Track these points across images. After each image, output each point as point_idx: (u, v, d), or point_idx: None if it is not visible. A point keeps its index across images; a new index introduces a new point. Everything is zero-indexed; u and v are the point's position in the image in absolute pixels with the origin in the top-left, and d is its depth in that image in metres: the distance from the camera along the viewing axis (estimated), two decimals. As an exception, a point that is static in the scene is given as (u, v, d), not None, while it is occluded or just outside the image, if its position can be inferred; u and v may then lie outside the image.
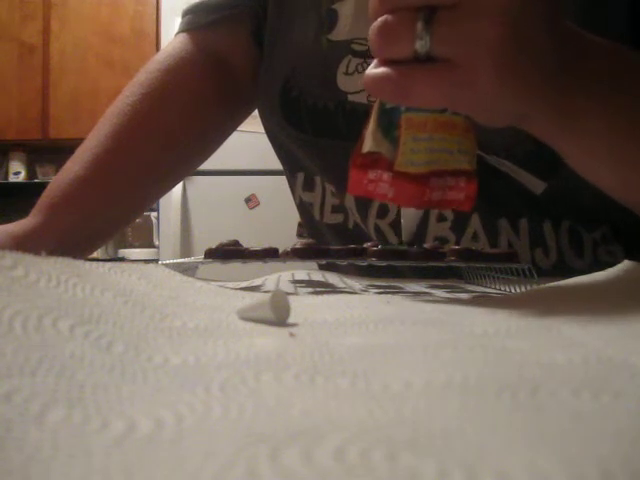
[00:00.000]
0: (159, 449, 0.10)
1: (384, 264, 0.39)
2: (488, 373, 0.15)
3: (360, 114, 0.56)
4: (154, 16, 2.67)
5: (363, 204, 0.57)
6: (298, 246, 0.39)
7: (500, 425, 0.11)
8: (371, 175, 0.32)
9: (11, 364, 0.14)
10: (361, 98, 0.56)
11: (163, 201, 2.25)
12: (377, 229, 0.56)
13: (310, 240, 0.42)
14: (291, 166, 0.63)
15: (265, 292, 0.34)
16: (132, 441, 0.10)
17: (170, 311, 0.22)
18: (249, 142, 1.68)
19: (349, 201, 0.58)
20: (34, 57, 2.73)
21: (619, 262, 0.54)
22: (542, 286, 0.33)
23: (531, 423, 0.11)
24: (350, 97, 0.56)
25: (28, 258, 0.22)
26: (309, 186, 0.61)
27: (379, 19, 0.31)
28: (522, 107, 0.33)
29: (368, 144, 0.33)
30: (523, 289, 0.36)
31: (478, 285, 0.45)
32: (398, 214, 0.55)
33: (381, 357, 0.16)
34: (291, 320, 0.22)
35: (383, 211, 0.56)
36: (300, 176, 0.62)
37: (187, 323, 0.21)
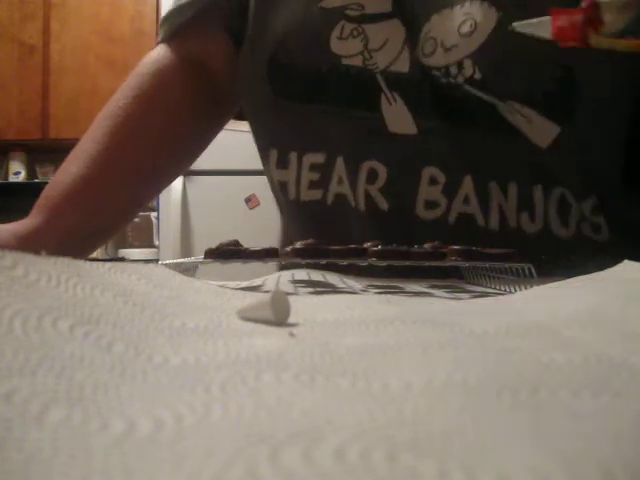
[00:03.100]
0: (159, 449, 0.10)
1: (384, 264, 0.39)
2: (488, 373, 0.15)
3: (353, 77, 0.55)
4: (154, 16, 2.67)
5: (352, 170, 0.56)
6: (298, 246, 0.39)
7: (500, 425, 0.11)
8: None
9: (11, 364, 0.14)
10: (356, 61, 0.56)
11: (163, 201, 2.25)
12: (367, 195, 0.56)
13: (310, 240, 0.42)
14: (265, 144, 0.63)
15: (265, 292, 0.34)
16: (132, 441, 0.10)
17: (170, 311, 0.22)
18: (249, 142, 1.69)
19: (340, 166, 0.57)
20: (34, 57, 2.73)
21: (600, 238, 0.55)
22: (542, 286, 0.33)
23: (531, 423, 0.11)
24: (344, 60, 0.56)
25: (28, 258, 0.22)
26: (283, 163, 0.60)
27: None
28: None
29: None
30: (523, 289, 0.36)
31: (478, 285, 0.45)
32: (388, 179, 0.55)
33: (381, 357, 0.16)
34: (291, 320, 0.22)
35: (373, 176, 0.55)
36: (274, 154, 0.61)
37: (187, 323, 0.21)
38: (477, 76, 0.52)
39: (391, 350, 0.17)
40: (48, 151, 2.82)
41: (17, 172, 2.85)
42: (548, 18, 0.36)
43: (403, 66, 0.54)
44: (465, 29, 0.52)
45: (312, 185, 0.59)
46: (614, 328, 0.21)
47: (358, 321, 0.22)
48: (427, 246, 0.41)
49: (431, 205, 0.54)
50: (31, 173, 2.88)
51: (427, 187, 0.54)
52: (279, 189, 0.62)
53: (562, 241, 0.54)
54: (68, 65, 2.69)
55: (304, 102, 0.58)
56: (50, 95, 2.72)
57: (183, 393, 0.13)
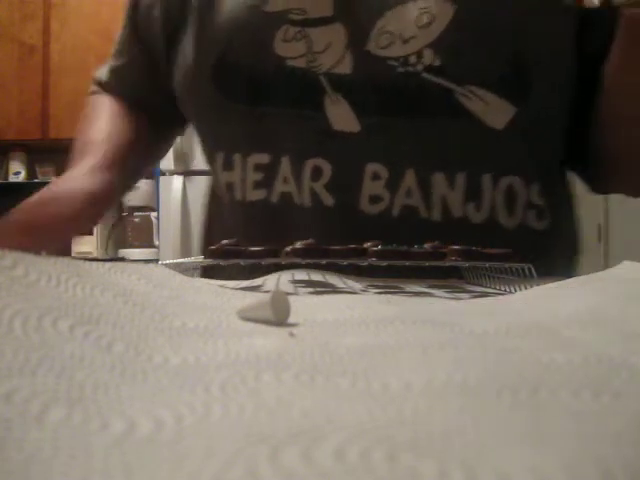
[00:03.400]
0: (159, 449, 0.10)
1: (384, 264, 0.39)
2: (488, 373, 0.15)
3: (298, 78, 0.57)
4: (154, 16, 2.67)
5: (297, 169, 0.57)
6: (298, 246, 0.39)
7: (500, 425, 0.11)
8: None
9: (11, 364, 0.14)
10: (300, 63, 0.57)
11: (163, 201, 2.25)
12: (312, 192, 0.57)
13: (310, 240, 0.42)
14: (211, 148, 0.64)
15: (265, 292, 0.34)
16: (132, 441, 0.10)
17: (170, 311, 0.22)
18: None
19: (285, 166, 0.58)
20: (34, 57, 2.73)
21: (542, 225, 0.58)
22: (542, 286, 0.33)
23: (531, 423, 0.11)
24: (289, 62, 0.57)
25: (28, 258, 0.22)
26: (229, 165, 0.62)
27: None
28: None
29: None
30: (523, 289, 0.36)
31: (478, 285, 0.45)
32: (333, 175, 0.56)
33: (381, 357, 0.16)
34: (291, 320, 0.22)
35: (317, 173, 0.56)
36: (220, 156, 0.62)
37: (187, 323, 0.21)
38: (436, 63, 0.54)
39: (391, 350, 0.17)
40: (48, 151, 2.82)
41: (17, 172, 2.85)
42: None
43: (346, 68, 0.56)
44: (423, 21, 0.55)
45: (257, 185, 0.60)
46: (614, 328, 0.21)
47: (358, 321, 0.22)
48: (427, 246, 0.41)
49: (375, 200, 0.56)
50: (31, 173, 2.88)
51: (370, 182, 0.56)
52: (225, 190, 0.63)
53: (506, 231, 0.57)
54: (68, 65, 2.69)
55: (249, 104, 0.59)
56: (50, 95, 2.71)
57: (183, 393, 0.13)
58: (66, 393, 0.13)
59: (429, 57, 0.54)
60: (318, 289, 0.40)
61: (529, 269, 0.36)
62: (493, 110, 0.55)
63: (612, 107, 0.56)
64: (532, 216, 0.58)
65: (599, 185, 0.65)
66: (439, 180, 0.55)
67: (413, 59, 0.55)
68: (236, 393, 0.13)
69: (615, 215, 2.42)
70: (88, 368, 0.15)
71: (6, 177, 2.86)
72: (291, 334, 0.19)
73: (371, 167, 0.56)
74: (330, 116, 0.56)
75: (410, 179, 0.55)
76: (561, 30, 0.57)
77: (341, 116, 0.56)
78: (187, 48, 0.63)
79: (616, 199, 2.39)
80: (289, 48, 0.57)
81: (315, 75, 0.56)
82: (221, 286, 0.32)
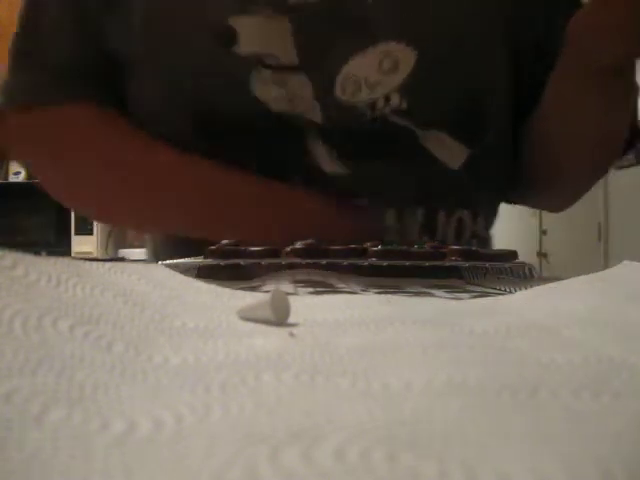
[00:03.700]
0: (159, 449, 0.10)
1: (384, 264, 0.39)
2: (488, 373, 0.15)
3: (282, 123, 0.56)
4: (154, 16, 2.66)
5: None
6: (298, 246, 0.39)
7: (500, 425, 0.11)
8: None
9: (11, 364, 0.14)
10: (282, 107, 0.57)
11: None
12: None
13: (310, 240, 0.42)
14: None
15: (265, 292, 0.34)
16: (132, 441, 0.10)
17: (170, 311, 0.22)
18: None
19: None
20: (34, 57, 2.73)
21: (487, 252, 0.63)
22: (542, 286, 0.33)
23: (531, 423, 0.11)
24: (271, 105, 0.57)
25: (28, 258, 0.22)
26: None
27: None
28: None
29: None
30: (523, 289, 0.36)
31: (478, 285, 0.45)
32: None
33: (381, 357, 0.16)
34: (291, 320, 0.22)
35: None
36: None
37: (187, 323, 0.21)
38: (403, 106, 0.57)
39: (391, 350, 0.17)
40: (48, 151, 2.82)
41: (17, 172, 2.85)
42: None
43: (317, 117, 0.57)
44: (387, 66, 0.57)
45: None
46: (614, 328, 0.21)
47: (358, 321, 0.22)
48: (427, 246, 0.41)
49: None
50: (31, 173, 2.88)
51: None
52: None
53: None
54: (68, 65, 2.69)
55: (232, 149, 0.58)
56: (50, 95, 2.71)
57: (183, 393, 0.13)
58: (66, 393, 0.13)
59: (396, 100, 0.57)
60: (318, 289, 0.40)
61: (529, 269, 0.36)
62: (450, 152, 0.59)
63: (544, 124, 0.60)
64: (476, 243, 0.62)
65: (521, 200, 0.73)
66: (392, 217, 0.59)
67: (381, 103, 0.57)
68: (236, 393, 0.13)
69: (615, 215, 2.42)
70: (88, 368, 0.15)
71: (6, 177, 2.86)
72: (291, 334, 0.19)
73: (356, 201, 0.58)
74: (316, 157, 0.58)
75: (390, 216, 0.59)
76: (511, 70, 0.62)
77: (324, 159, 0.58)
78: (142, 71, 0.59)
79: (616, 199, 2.40)
80: (268, 91, 0.56)
81: (297, 119, 0.57)
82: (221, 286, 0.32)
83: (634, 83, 0.57)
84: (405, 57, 0.56)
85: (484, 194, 0.64)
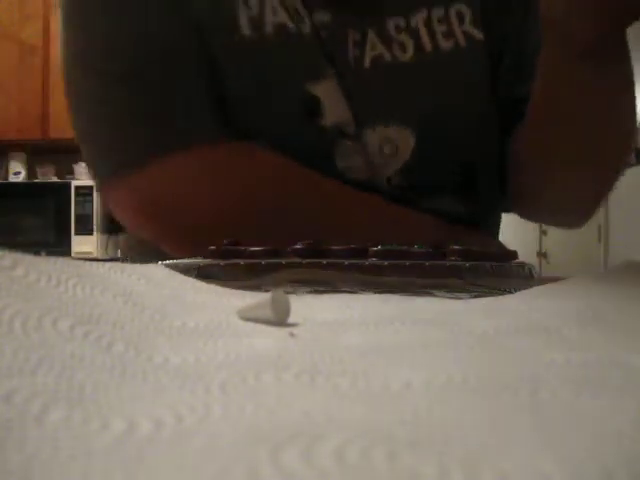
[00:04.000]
0: (159, 449, 0.10)
1: (385, 264, 0.39)
2: (488, 373, 0.15)
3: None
4: (154, 16, 2.66)
5: None
6: (298, 246, 0.39)
7: (500, 425, 0.11)
8: None
9: (11, 364, 0.14)
10: (360, 175, 0.59)
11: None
12: None
13: (310, 240, 0.42)
14: None
15: (265, 292, 0.34)
16: (132, 441, 0.10)
17: (170, 311, 0.22)
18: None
19: None
20: (34, 57, 2.73)
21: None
22: (542, 286, 0.33)
23: (531, 423, 0.11)
24: (353, 175, 0.59)
25: (28, 258, 0.22)
26: None
27: None
28: None
29: None
30: (523, 289, 0.36)
31: (478, 285, 0.45)
32: None
33: (381, 357, 0.16)
34: (291, 320, 0.22)
35: None
36: None
37: (187, 323, 0.21)
38: (404, 184, 0.60)
39: (391, 350, 0.17)
40: (48, 151, 2.82)
41: (17, 172, 2.85)
42: None
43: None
44: (387, 152, 0.60)
45: None
46: (614, 328, 0.21)
47: (358, 321, 0.22)
48: (427, 246, 0.41)
49: None
50: (31, 173, 2.88)
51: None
52: None
53: None
54: (68, 65, 2.69)
55: None
56: (50, 95, 2.71)
57: (183, 393, 0.13)
58: (66, 393, 0.13)
59: (396, 179, 0.60)
60: (318, 289, 0.40)
61: (529, 269, 0.36)
62: (450, 205, 0.62)
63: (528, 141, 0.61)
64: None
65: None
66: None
67: (382, 181, 0.60)
68: (236, 393, 0.13)
69: (615, 215, 2.41)
70: (88, 368, 0.15)
71: (6, 177, 2.86)
72: (291, 334, 0.19)
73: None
74: None
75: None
76: (499, 130, 0.64)
77: None
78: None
79: (616, 200, 2.39)
80: (349, 161, 0.58)
81: (375, 185, 0.59)
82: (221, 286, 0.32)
83: (628, 76, 0.56)
84: (404, 141, 0.59)
85: (483, 217, 0.67)
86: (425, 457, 0.09)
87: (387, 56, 0.60)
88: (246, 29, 0.56)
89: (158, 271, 0.29)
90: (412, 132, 0.59)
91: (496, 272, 0.40)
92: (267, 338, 0.19)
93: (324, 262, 0.40)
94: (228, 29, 0.56)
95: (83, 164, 2.68)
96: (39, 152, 2.85)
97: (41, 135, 2.75)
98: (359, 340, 0.19)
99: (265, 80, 0.57)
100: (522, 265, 0.37)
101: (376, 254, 0.39)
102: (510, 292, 0.37)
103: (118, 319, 0.20)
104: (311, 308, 0.25)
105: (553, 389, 0.13)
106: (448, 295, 0.36)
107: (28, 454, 0.10)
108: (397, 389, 0.13)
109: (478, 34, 0.62)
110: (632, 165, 2.82)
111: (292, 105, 0.57)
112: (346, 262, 0.40)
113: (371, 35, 0.60)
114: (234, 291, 0.30)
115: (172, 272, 0.30)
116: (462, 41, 0.61)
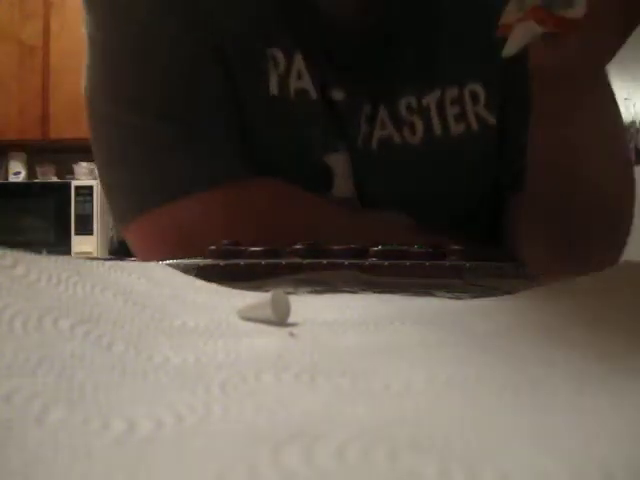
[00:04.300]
0: (159, 449, 0.10)
1: (385, 264, 0.39)
2: (488, 372, 0.15)
3: None
4: (154, 16, 2.66)
5: None
6: (298, 246, 0.39)
7: (501, 425, 0.11)
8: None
9: (11, 364, 0.14)
10: None
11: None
12: None
13: (310, 240, 0.42)
14: None
15: (265, 292, 0.34)
16: (132, 441, 0.10)
17: (170, 310, 0.22)
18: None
19: None
20: (34, 57, 2.73)
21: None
22: (543, 286, 0.33)
23: (532, 423, 0.11)
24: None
25: (28, 257, 0.22)
26: None
27: None
28: None
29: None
30: (523, 289, 0.36)
31: (478, 285, 0.45)
32: None
33: (381, 357, 0.16)
34: (291, 320, 0.22)
35: None
36: None
37: (187, 322, 0.21)
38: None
39: (391, 350, 0.17)
40: (48, 151, 2.82)
41: (17, 172, 2.85)
42: None
43: None
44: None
45: None
46: (614, 327, 0.21)
47: (358, 321, 0.22)
48: (427, 246, 0.41)
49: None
50: (31, 173, 2.88)
51: None
52: None
53: None
54: (68, 65, 2.68)
55: None
56: (50, 95, 2.71)
57: (183, 393, 0.13)
58: (66, 393, 0.13)
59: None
60: (318, 289, 0.40)
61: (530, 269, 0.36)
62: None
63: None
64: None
65: None
66: None
67: None
68: (236, 393, 0.13)
69: (615, 215, 2.41)
70: (88, 368, 0.15)
71: (6, 177, 2.86)
72: (291, 334, 0.19)
73: None
74: None
75: None
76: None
77: None
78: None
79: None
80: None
81: None
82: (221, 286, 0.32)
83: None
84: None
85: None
86: (425, 457, 0.09)
87: (396, 137, 0.60)
88: (274, 88, 0.56)
89: (158, 270, 0.29)
90: (408, 215, 0.58)
91: (496, 272, 0.41)
92: (267, 338, 0.19)
93: (324, 262, 0.40)
94: (258, 84, 0.56)
95: (83, 164, 2.69)
96: (39, 152, 2.85)
97: (41, 135, 2.75)
98: (359, 340, 0.19)
99: (286, 140, 0.57)
100: (522, 265, 0.37)
101: (376, 254, 0.39)
102: (510, 292, 0.37)
103: (118, 318, 0.20)
104: (311, 308, 0.25)
105: (553, 389, 0.13)
106: (448, 295, 0.36)
107: (28, 454, 0.10)
108: (397, 389, 0.13)
109: (491, 119, 0.60)
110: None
111: (308, 170, 0.58)
112: (346, 262, 0.40)
113: (382, 112, 0.60)
114: (234, 291, 0.30)
115: (172, 271, 0.30)
116: (474, 125, 0.60)
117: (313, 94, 0.57)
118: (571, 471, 0.09)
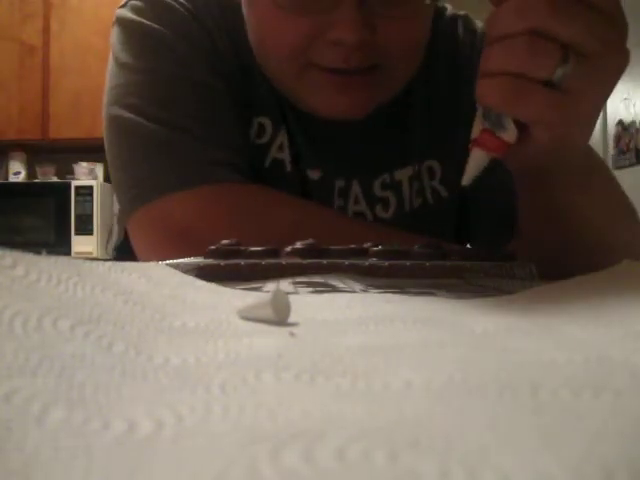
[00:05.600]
0: (159, 449, 0.10)
1: (385, 264, 0.39)
2: (489, 373, 0.15)
3: None
4: (154, 16, 2.66)
5: None
6: (298, 246, 0.39)
7: (501, 425, 0.11)
8: None
9: (11, 364, 0.14)
10: None
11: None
12: None
13: (310, 240, 0.42)
14: None
15: (265, 292, 0.34)
16: (132, 441, 0.10)
17: (170, 310, 0.22)
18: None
19: None
20: (34, 57, 2.73)
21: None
22: (542, 286, 0.33)
23: (532, 423, 0.11)
24: None
25: (28, 257, 0.22)
26: None
27: (523, 37, 0.35)
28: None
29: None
30: (523, 289, 0.36)
31: (478, 285, 0.45)
32: None
33: (381, 357, 0.16)
34: (291, 320, 0.22)
35: None
36: None
37: (187, 323, 0.21)
38: None
39: (391, 350, 0.17)
40: (48, 151, 2.82)
41: (17, 172, 2.85)
42: None
43: None
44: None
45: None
46: (614, 327, 0.21)
47: (358, 321, 0.22)
48: (427, 246, 0.41)
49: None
50: (31, 173, 2.88)
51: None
52: None
53: None
54: (68, 65, 2.68)
55: None
56: (50, 95, 2.71)
57: (183, 393, 0.13)
58: (66, 393, 0.13)
59: None
60: (318, 289, 0.40)
61: (530, 269, 0.36)
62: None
63: None
64: None
65: None
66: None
67: None
68: (236, 393, 0.13)
69: (615, 215, 2.40)
70: (88, 368, 0.15)
71: (6, 177, 2.86)
72: (291, 334, 0.19)
73: None
74: None
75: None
76: None
77: None
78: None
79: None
80: None
81: None
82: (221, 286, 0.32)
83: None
84: None
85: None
86: (425, 457, 0.09)
87: (368, 214, 0.63)
88: (253, 148, 0.59)
89: (158, 270, 0.29)
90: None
91: (496, 272, 0.40)
92: (267, 338, 0.19)
93: (324, 262, 0.40)
94: (246, 130, 0.60)
95: (83, 164, 2.68)
96: (39, 152, 2.85)
97: (41, 135, 2.74)
98: (359, 340, 0.19)
99: None
100: (523, 265, 0.37)
101: (376, 254, 0.39)
102: (510, 292, 0.37)
103: (118, 319, 0.20)
104: (311, 308, 0.25)
105: (553, 389, 0.13)
106: (448, 295, 0.36)
107: (28, 454, 0.10)
108: (397, 389, 0.13)
109: (444, 192, 0.65)
110: (632, 165, 2.82)
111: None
112: (346, 262, 0.40)
113: (355, 188, 0.63)
114: (234, 291, 0.30)
115: (172, 271, 0.30)
116: (430, 199, 0.65)
117: (288, 166, 0.60)
118: (571, 471, 0.09)
